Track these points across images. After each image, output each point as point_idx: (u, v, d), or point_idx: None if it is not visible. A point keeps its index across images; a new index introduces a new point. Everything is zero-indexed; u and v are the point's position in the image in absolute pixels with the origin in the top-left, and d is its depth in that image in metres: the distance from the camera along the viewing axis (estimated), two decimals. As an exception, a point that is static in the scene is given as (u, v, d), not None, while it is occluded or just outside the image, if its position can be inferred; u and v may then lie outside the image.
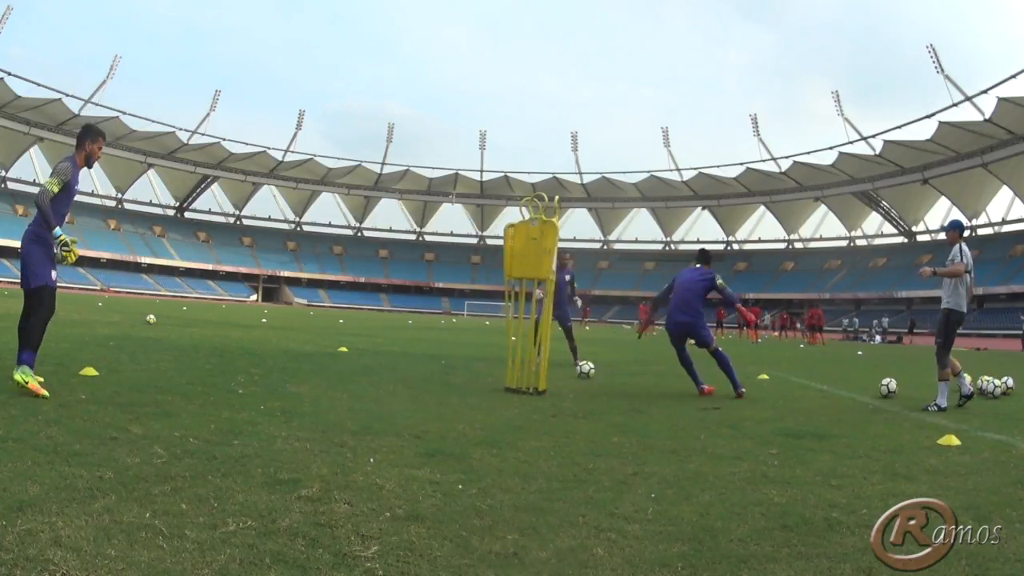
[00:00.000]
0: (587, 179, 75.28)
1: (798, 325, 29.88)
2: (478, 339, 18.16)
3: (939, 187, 59.93)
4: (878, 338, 40.43)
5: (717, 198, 73.04)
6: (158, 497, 2.61)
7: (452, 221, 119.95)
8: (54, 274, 4.76)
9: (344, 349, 10.79)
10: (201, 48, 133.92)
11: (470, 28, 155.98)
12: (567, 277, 10.07)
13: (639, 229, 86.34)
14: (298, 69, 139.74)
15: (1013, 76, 47.29)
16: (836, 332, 41.31)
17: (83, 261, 64.15)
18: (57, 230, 4.61)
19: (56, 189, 4.67)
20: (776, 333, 32.90)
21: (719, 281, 7.46)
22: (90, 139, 4.90)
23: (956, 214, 62.90)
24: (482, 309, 64.36)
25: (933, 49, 53.94)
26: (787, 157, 65.25)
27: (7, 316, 13.05)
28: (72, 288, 53.96)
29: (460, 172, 77.25)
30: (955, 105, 52.27)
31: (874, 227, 71.09)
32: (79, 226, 67.01)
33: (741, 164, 68.22)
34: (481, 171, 77.40)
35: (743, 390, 7.13)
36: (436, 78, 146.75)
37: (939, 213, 65.44)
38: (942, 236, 64.78)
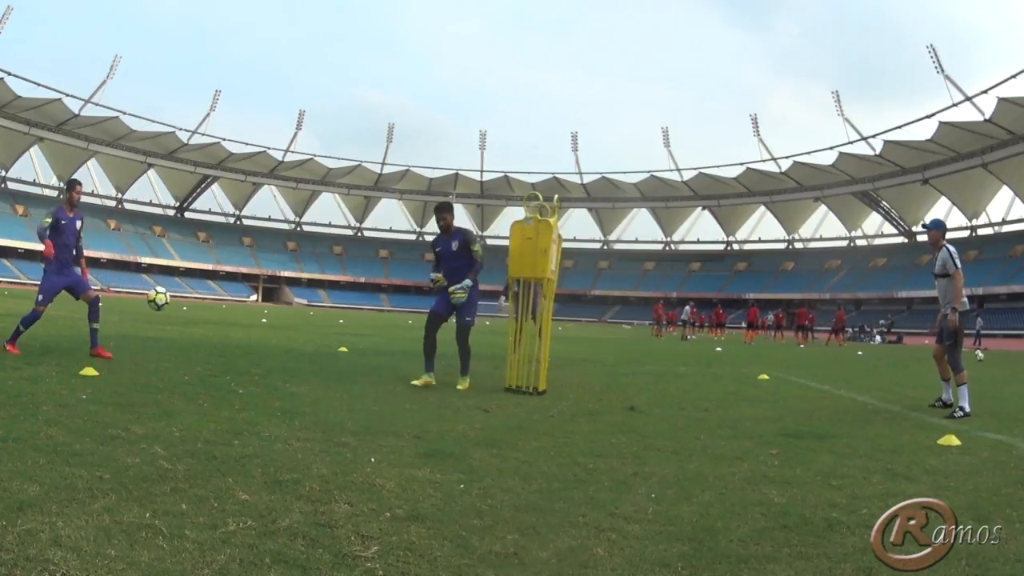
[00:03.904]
0: (587, 179, 75.30)
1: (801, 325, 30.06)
2: (478, 339, 18.07)
3: (939, 187, 59.93)
4: (878, 338, 40.49)
5: (717, 198, 73.03)
6: (158, 497, 2.61)
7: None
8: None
9: (344, 349, 10.80)
10: (201, 48, 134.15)
11: (469, 28, 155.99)
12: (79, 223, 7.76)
13: (639, 229, 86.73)
14: (299, 68, 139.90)
15: (1013, 76, 47.39)
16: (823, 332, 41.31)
17: (83, 261, 64.20)
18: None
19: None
20: (774, 334, 32.94)
21: None
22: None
23: (956, 214, 62.98)
24: (482, 309, 63.39)
25: (933, 49, 54.01)
26: (787, 157, 65.34)
27: (7, 316, 13.06)
28: (72, 288, 53.84)
29: (460, 172, 77.28)
30: (955, 105, 52.36)
31: (874, 227, 71.20)
32: (79, 226, 67.04)
33: (741, 164, 68.30)
34: (481, 171, 77.48)
35: None
36: (437, 77, 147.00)
37: (939, 213, 65.31)
38: (942, 236, 65.05)
